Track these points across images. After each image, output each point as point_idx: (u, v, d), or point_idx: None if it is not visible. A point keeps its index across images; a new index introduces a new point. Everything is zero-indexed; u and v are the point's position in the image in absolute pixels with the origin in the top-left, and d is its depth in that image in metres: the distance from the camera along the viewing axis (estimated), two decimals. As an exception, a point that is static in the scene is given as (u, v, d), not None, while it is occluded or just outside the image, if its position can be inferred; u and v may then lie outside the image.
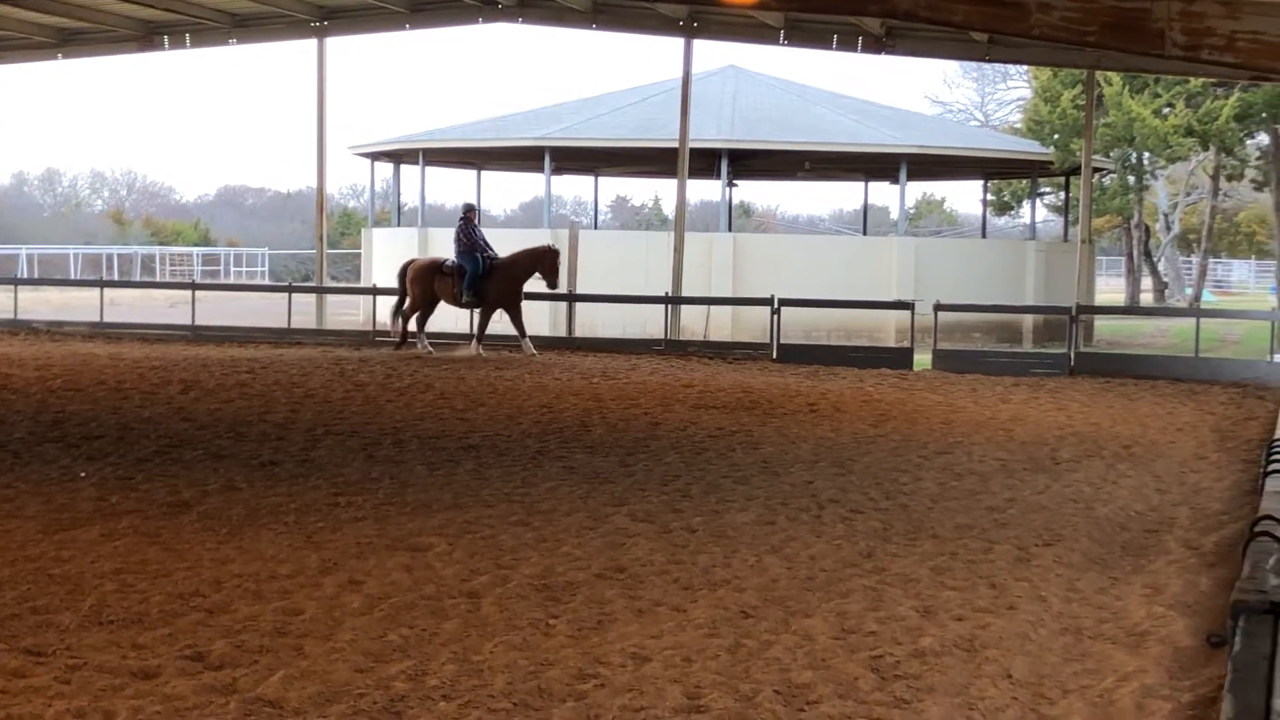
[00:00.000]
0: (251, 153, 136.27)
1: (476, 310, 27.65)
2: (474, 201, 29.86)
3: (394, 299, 28.51)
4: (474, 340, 27.43)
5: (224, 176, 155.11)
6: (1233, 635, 3.14)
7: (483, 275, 27.12)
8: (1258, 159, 49.62)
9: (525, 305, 27.62)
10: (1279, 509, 4.87)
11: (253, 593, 8.74)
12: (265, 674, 7.11)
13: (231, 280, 63.60)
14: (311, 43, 33.74)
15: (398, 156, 44.85)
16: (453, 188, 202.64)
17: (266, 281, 62.80)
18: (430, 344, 27.70)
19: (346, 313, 42.19)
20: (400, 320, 27.95)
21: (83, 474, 13.11)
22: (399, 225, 45.93)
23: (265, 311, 39.12)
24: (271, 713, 6.59)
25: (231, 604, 8.46)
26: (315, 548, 10.04)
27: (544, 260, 27.11)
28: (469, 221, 27.59)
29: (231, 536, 10.40)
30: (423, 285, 27.54)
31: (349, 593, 8.78)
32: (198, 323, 31.08)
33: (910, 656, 7.60)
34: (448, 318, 29.55)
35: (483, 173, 50.49)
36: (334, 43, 34.45)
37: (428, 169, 44.07)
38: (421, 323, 27.96)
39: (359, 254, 50.55)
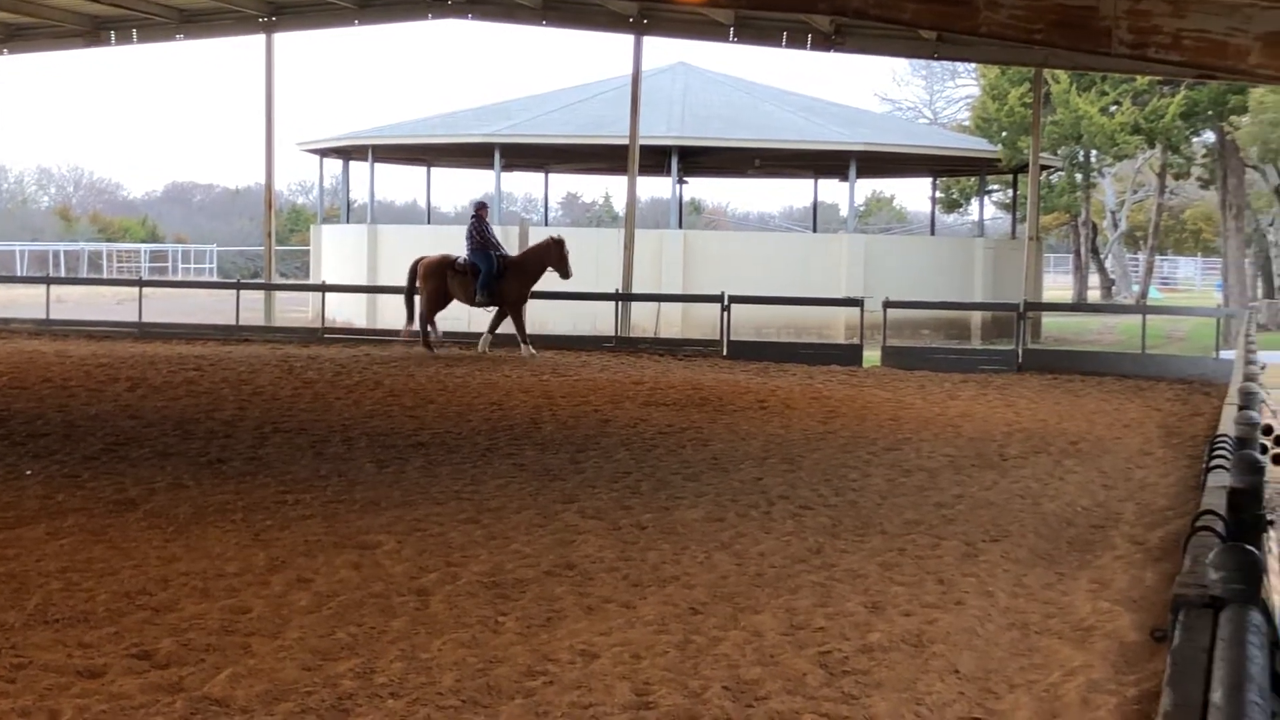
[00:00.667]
0: (200, 149, 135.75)
1: (489, 310, 27.21)
2: (485, 199, 29.18)
3: (397, 297, 27.89)
4: (522, 344, 26.69)
5: (172, 173, 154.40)
6: (1173, 629, 3.16)
7: (498, 275, 26.59)
8: (1203, 157, 50.02)
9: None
10: (1220, 504, 4.92)
11: (200, 591, 8.69)
12: (212, 672, 7.08)
13: (179, 277, 63.24)
14: (260, 38, 33.59)
15: (347, 153, 44.69)
16: (402, 184, 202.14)
17: (214, 278, 62.52)
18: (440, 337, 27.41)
19: (295, 309, 42.05)
20: (421, 323, 27.26)
21: (28, 472, 13.01)
22: (348, 222, 45.77)
23: (213, 308, 38.96)
24: (218, 711, 6.56)
25: (178, 602, 8.42)
26: (263, 545, 10.00)
27: (551, 253, 26.72)
28: (481, 219, 27.10)
29: (178, 534, 10.35)
30: (435, 283, 26.96)
31: (297, 591, 8.75)
32: (145, 320, 30.86)
33: (858, 652, 7.62)
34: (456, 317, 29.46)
35: (432, 169, 50.39)
36: (282, 38, 34.30)
37: (377, 165, 43.94)
38: (420, 314, 27.54)
39: (308, 250, 50.35)
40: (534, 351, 26.59)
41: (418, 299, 27.29)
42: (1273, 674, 3.38)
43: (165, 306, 38.70)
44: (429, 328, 27.28)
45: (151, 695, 6.73)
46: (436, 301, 27.14)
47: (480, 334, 27.53)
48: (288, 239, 72.25)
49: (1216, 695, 2.53)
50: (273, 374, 22.21)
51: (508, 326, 27.13)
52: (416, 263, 27.58)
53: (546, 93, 46.73)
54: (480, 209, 27.66)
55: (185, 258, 68.20)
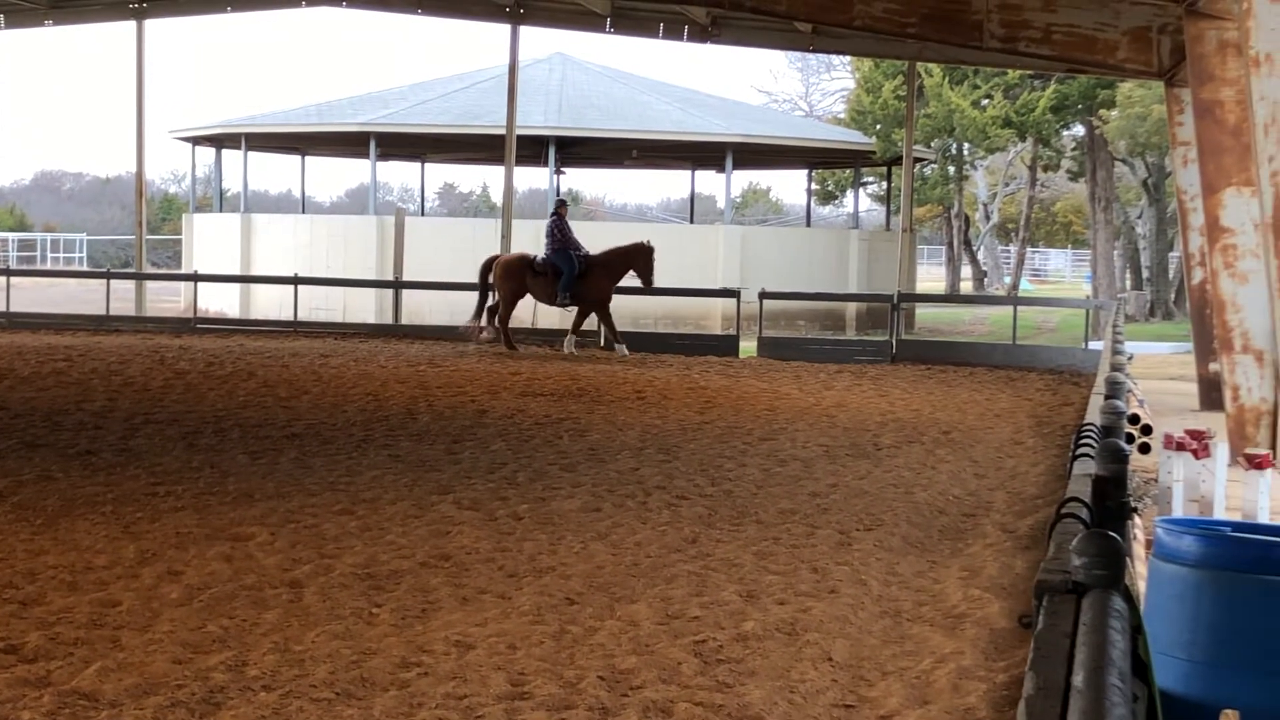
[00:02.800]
0: (69, 137, 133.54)
1: (571, 310, 26.54)
2: (565, 197, 28.23)
3: (475, 296, 26.87)
4: (616, 344, 26.07)
5: (40, 161, 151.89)
6: (1037, 615, 3.22)
7: (579, 275, 25.83)
8: (1073, 150, 50.84)
9: (358, 293, 27.26)
10: (1085, 491, 5.00)
11: (68, 584, 8.56)
12: (81, 666, 6.97)
13: (48, 266, 62.17)
14: (130, 25, 33.09)
15: (220, 141, 44.18)
16: (277, 173, 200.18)
17: (84, 268, 61.52)
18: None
19: (167, 300, 41.50)
20: (501, 325, 26.43)
21: (-110, 465, 12.74)
22: (221, 211, 45.25)
23: (83, 298, 38.35)
24: (86, 705, 6.46)
25: (46, 595, 8.28)
26: (133, 538, 9.86)
27: (639, 257, 25.87)
28: (561, 218, 26.41)
29: (46, 527, 10.17)
30: (514, 283, 26.08)
31: (167, 583, 8.64)
32: (12, 309, 30.32)
33: (733, 640, 7.66)
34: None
35: (308, 158, 49.96)
36: (154, 25, 33.86)
37: (251, 154, 43.46)
38: (499, 315, 26.61)
39: (180, 240, 49.72)
40: (626, 352, 25.84)
41: (492, 296, 26.42)
42: (1134, 657, 3.44)
43: (33, 296, 38.06)
44: (497, 326, 26.51)
45: (18, 690, 6.62)
46: (514, 302, 26.36)
47: (614, 333, 26.50)
48: (160, 228, 71.32)
49: (1078, 678, 2.58)
50: (144, 365, 21.91)
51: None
52: (491, 260, 26.71)
53: (423, 82, 46.48)
54: (560, 207, 26.94)
55: (54, 247, 67.07)
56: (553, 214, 26.75)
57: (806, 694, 6.84)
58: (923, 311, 42.72)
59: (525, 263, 26.30)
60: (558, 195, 27.00)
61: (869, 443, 15.66)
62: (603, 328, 26.56)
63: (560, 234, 26.14)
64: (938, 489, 12.75)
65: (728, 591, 8.71)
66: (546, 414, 17.27)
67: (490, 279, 26.45)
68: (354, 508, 11.14)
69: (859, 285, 39.64)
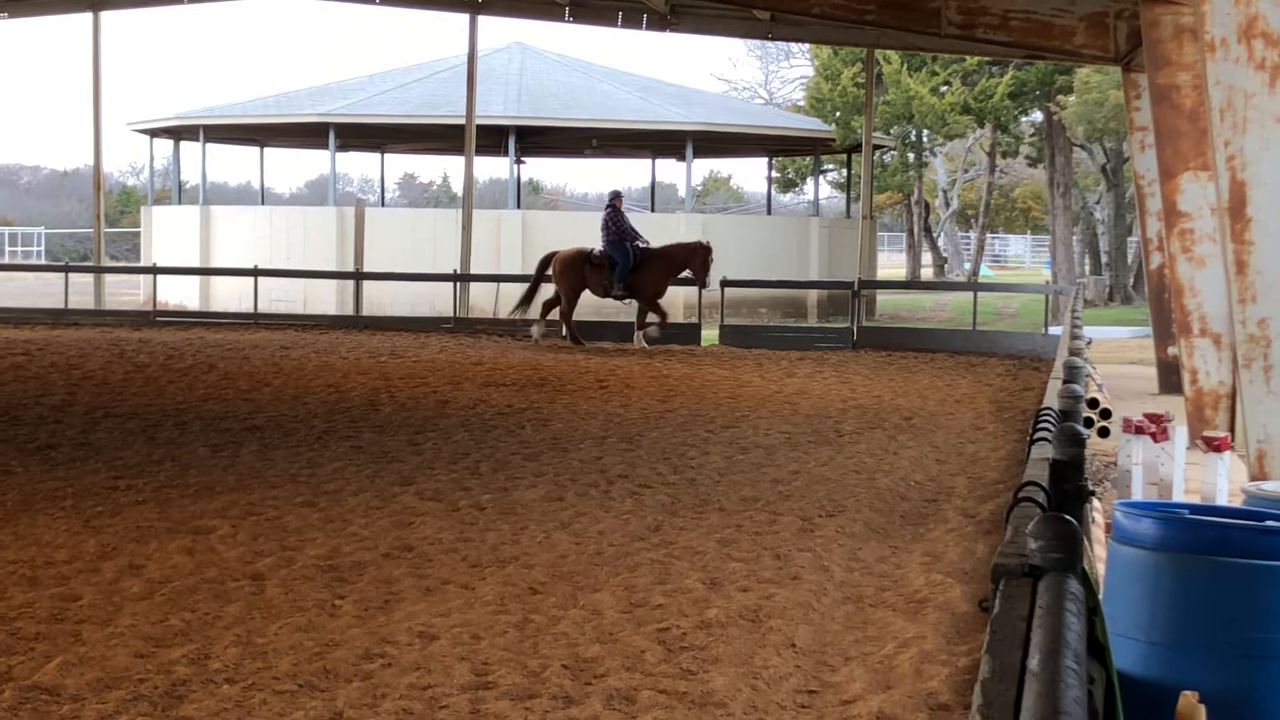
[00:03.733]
0: (27, 130, 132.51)
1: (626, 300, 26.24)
2: (619, 189, 27.91)
3: (522, 288, 26.70)
4: (647, 329, 25.79)
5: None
6: (994, 598, 3.24)
7: (633, 268, 25.62)
8: (1032, 136, 51.01)
9: (318, 284, 27.12)
10: (1042, 475, 5.04)
11: (28, 579, 8.52)
12: (42, 661, 6.95)
13: (6, 260, 61.78)
14: (87, 16, 32.90)
15: (178, 133, 43.91)
16: (236, 165, 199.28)
17: (43, 261, 61.14)
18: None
19: (126, 293, 41.29)
20: (565, 322, 26.21)
21: None
22: (180, 203, 45.01)
23: (41, 292, 38.10)
24: (49, 700, 6.44)
25: (6, 590, 8.24)
26: (94, 532, 9.82)
27: (695, 256, 25.70)
28: (616, 209, 26.06)
29: (6, 522, 10.13)
30: (573, 277, 25.87)
31: (129, 577, 8.61)
32: (-30, 304, 30.14)
33: (696, 628, 7.68)
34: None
35: (266, 150, 49.70)
36: (110, 17, 33.65)
37: (209, 146, 43.25)
38: (546, 312, 26.51)
39: (139, 233, 49.44)
40: (646, 343, 25.64)
41: (552, 291, 26.18)
42: (1092, 640, 3.47)
43: (-9, 290, 37.80)
44: (547, 319, 26.30)
45: (-22, 687, 6.59)
46: (575, 297, 26.12)
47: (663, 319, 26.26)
48: (118, 221, 70.91)
49: (1033, 661, 2.60)
50: (103, 358, 21.81)
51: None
52: (549, 256, 26.44)
53: (382, 72, 46.31)
54: (615, 199, 26.51)
55: (12, 240, 66.66)
56: (607, 205, 26.39)
57: (770, 680, 6.87)
58: (883, 298, 42.83)
59: (583, 256, 26.00)
60: (613, 191, 26.62)
61: (831, 429, 15.70)
62: (641, 308, 26.25)
63: (615, 225, 25.84)
64: (899, 475, 12.80)
65: (691, 579, 8.73)
66: (509, 404, 17.26)
67: (549, 274, 26.24)
68: (316, 500, 11.12)
69: (820, 272, 39.69)
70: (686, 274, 25.91)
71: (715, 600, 8.25)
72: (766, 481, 12.32)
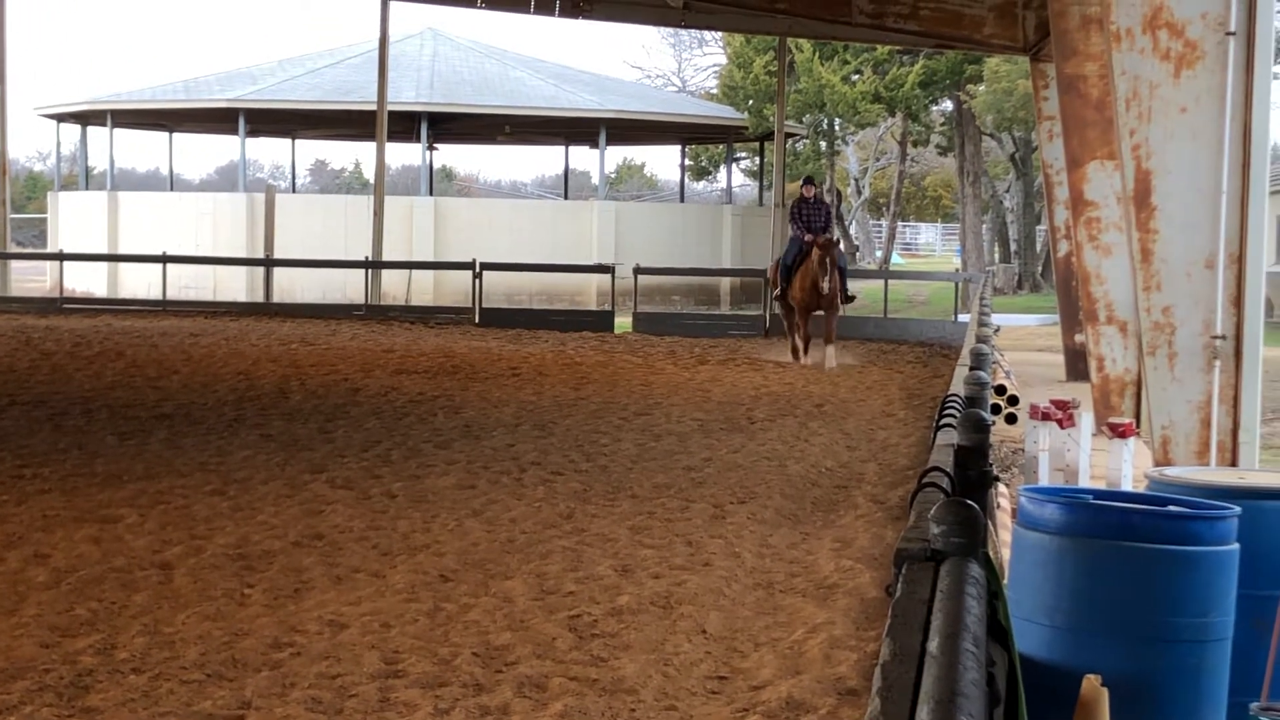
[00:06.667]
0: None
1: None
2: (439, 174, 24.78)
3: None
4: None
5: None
6: (896, 583, 3.28)
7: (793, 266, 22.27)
8: (942, 125, 51.38)
9: (228, 271, 26.88)
10: (946, 461, 5.09)
11: (-69, 570, 8.42)
12: (-55, 654, 6.87)
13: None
14: (-9, -1, 32.36)
15: (85, 118, 43.41)
16: (144, 151, 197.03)
17: (-54, 248, 60.12)
18: None
19: (32, 279, 40.76)
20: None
21: None
22: (87, 189, 44.49)
23: (-55, 279, 37.49)
24: (-49, 693, 6.37)
25: (-92, 583, 8.14)
26: (-2, 522, 9.71)
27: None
28: (804, 198, 22.95)
29: (-92, 513, 9.99)
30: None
31: (34, 567, 8.51)
32: None
33: (608, 615, 7.70)
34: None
35: (175, 135, 49.21)
36: (15, -1, 33.14)
37: (117, 131, 42.77)
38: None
39: (46, 219, 48.81)
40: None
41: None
42: (994, 623, 3.52)
43: (-107, 277, 37.17)
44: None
45: (-121, 679, 6.50)
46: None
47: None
48: (24, 207, 69.96)
49: (933, 644, 2.63)
50: (9, 345, 21.53)
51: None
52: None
53: (293, 57, 45.99)
54: (806, 186, 23.36)
55: (-86, 226, 65.48)
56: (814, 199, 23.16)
57: (680, 666, 6.90)
58: (796, 286, 42.90)
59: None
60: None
61: (743, 417, 15.76)
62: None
63: (824, 218, 22.85)
64: (810, 461, 12.87)
65: (603, 566, 8.74)
66: (421, 391, 17.20)
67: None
68: (225, 488, 11.04)
69: (733, 260, 39.81)
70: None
71: (627, 587, 8.27)
72: (679, 469, 12.35)
